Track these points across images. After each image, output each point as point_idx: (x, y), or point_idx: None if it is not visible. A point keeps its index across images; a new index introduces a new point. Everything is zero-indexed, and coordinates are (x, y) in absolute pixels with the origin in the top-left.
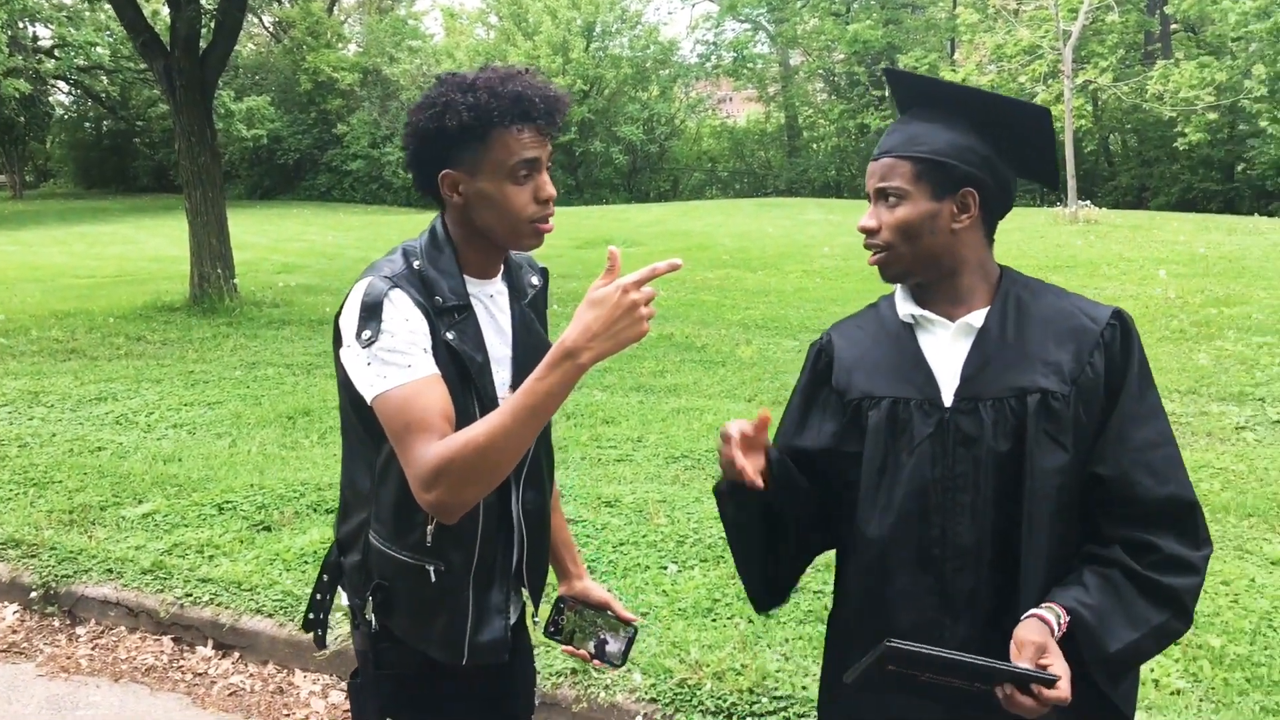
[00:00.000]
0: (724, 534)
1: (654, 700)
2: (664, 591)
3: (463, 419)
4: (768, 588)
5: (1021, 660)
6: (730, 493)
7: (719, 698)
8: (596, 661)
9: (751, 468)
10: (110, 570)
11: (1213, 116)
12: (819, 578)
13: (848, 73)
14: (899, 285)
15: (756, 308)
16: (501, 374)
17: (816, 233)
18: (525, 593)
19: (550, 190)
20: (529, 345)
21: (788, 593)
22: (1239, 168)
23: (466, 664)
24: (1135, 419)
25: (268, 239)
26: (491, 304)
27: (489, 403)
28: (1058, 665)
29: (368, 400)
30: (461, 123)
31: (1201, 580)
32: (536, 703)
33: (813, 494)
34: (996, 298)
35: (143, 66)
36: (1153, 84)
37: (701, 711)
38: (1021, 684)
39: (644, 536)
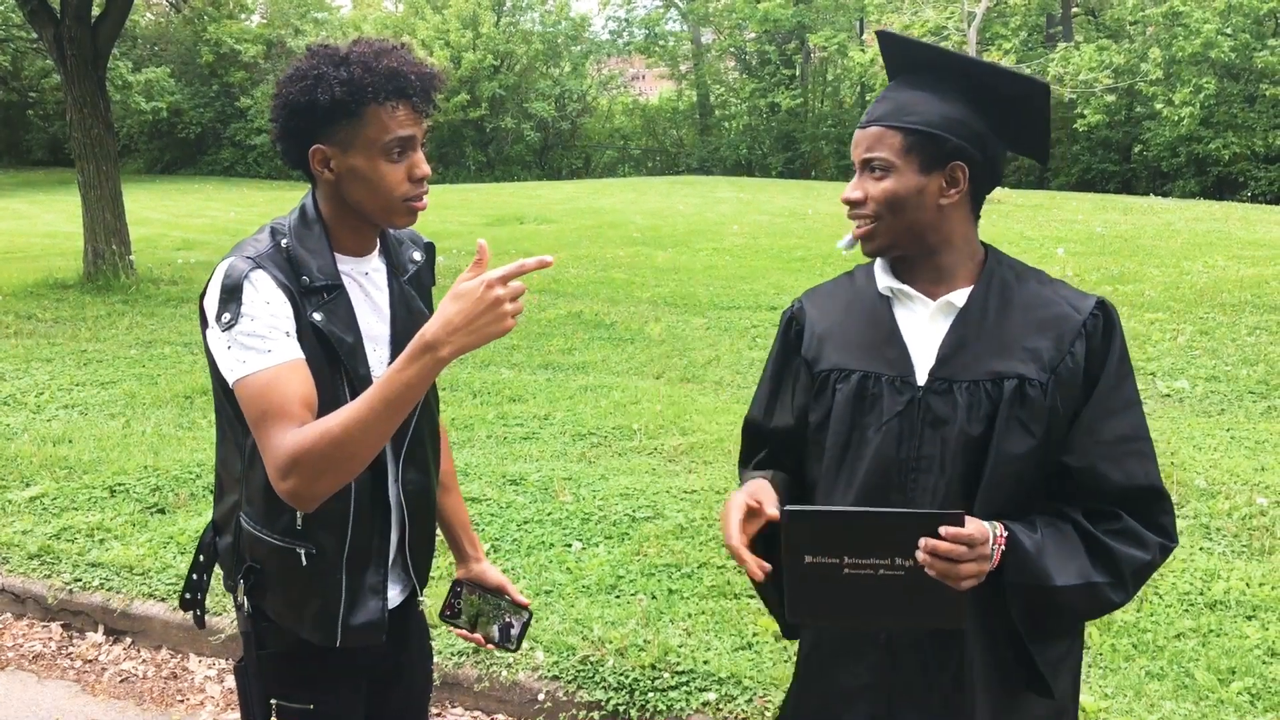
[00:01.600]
0: (628, 509)
1: (556, 678)
2: (568, 569)
3: (332, 403)
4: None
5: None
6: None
7: (621, 674)
8: (491, 645)
9: (752, 562)
10: None
11: (1110, 99)
12: (721, 552)
13: (759, 51)
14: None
15: (666, 285)
16: (379, 352)
17: (727, 211)
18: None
19: (424, 169)
20: (408, 323)
21: None
22: (1136, 149)
23: (341, 645)
24: (1109, 412)
25: (167, 215)
26: (367, 281)
27: (360, 384)
28: (974, 524)
29: (229, 384)
30: (334, 97)
31: (1151, 563)
32: (438, 682)
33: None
34: (980, 278)
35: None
36: (1054, 66)
37: (604, 688)
38: (930, 530)
39: (549, 514)
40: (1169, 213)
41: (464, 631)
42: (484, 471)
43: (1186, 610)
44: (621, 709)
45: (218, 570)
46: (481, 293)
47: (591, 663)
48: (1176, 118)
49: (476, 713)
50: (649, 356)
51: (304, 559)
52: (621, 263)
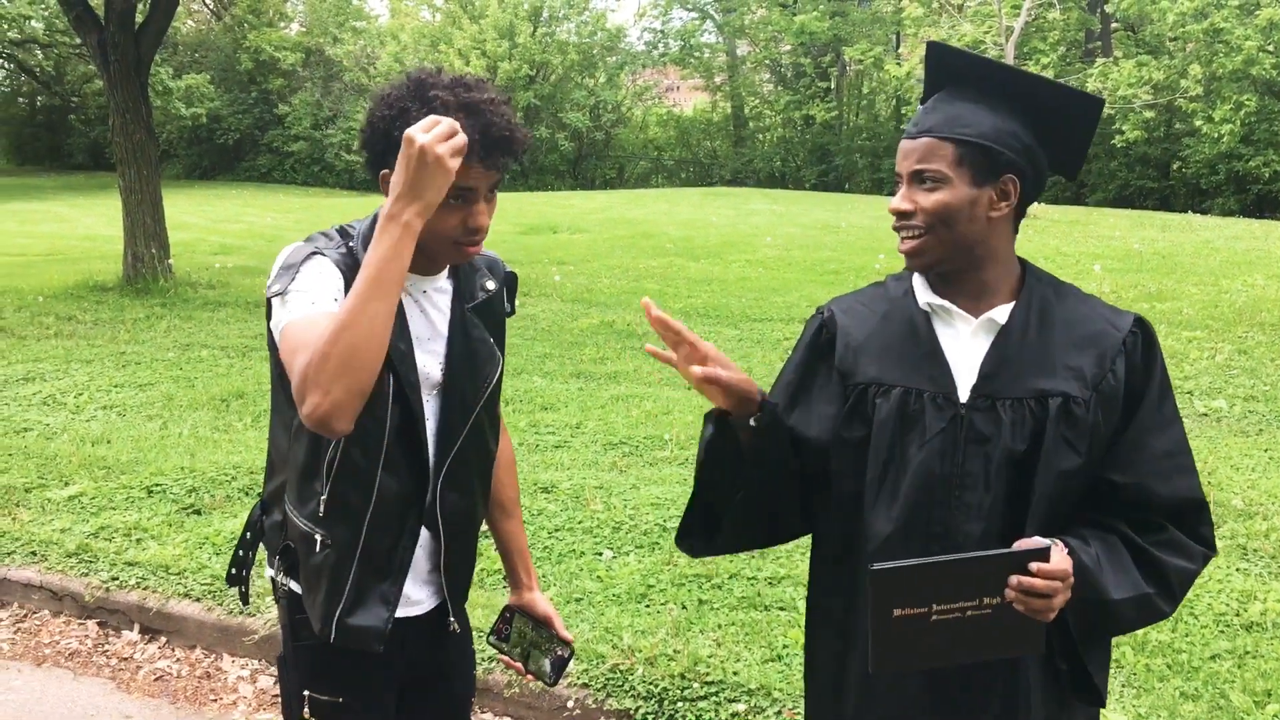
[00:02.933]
0: (659, 519)
1: (586, 685)
2: (598, 577)
3: (379, 401)
4: (705, 523)
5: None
6: (717, 418)
7: (651, 683)
8: (530, 676)
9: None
10: (34, 553)
11: (1149, 115)
12: (752, 564)
13: (794, 64)
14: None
15: (699, 296)
16: (429, 367)
17: (760, 223)
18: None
19: (480, 221)
20: (466, 349)
21: (717, 542)
22: (1174, 166)
23: (335, 643)
24: (1154, 428)
25: (205, 219)
26: (425, 299)
27: (410, 391)
28: (1058, 555)
29: (275, 338)
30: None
31: (1195, 572)
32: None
33: (793, 471)
34: (1022, 295)
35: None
36: (1092, 81)
37: (633, 696)
38: (1018, 567)
39: (580, 523)
40: (1207, 230)
41: (509, 659)
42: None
43: (1222, 631)
44: (650, 718)
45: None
46: (406, 152)
47: (621, 671)
48: (1216, 135)
49: (506, 718)
50: None
51: (318, 545)
52: (654, 273)
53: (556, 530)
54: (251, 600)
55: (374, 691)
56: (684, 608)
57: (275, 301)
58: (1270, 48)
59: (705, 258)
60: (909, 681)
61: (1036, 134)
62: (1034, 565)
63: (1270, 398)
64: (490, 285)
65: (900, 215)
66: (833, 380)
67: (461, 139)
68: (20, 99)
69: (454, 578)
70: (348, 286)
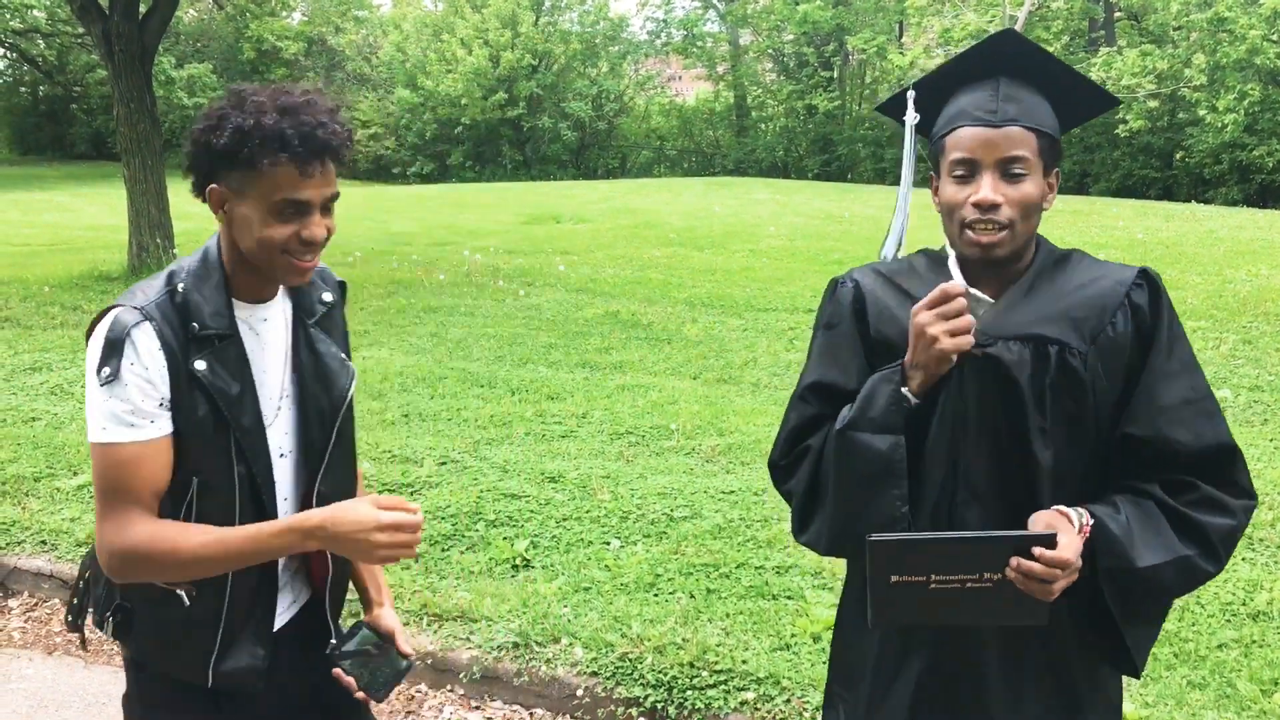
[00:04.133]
0: (666, 508)
1: (595, 674)
2: (606, 567)
3: (218, 454)
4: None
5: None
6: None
7: (660, 671)
8: (361, 694)
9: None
10: (44, 542)
11: (1153, 104)
12: (760, 553)
13: (797, 53)
14: (951, 254)
15: (703, 286)
16: (274, 401)
17: (763, 213)
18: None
19: (315, 233)
20: (314, 366)
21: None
22: (1178, 155)
23: (213, 687)
24: (1166, 376)
25: (208, 209)
26: (265, 328)
27: (246, 436)
28: (1066, 540)
29: (89, 439)
30: (225, 143)
31: (1237, 526)
32: (477, 676)
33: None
34: (1031, 268)
35: (80, 30)
36: (1096, 70)
37: (642, 684)
38: (1021, 550)
39: (587, 512)
40: (1211, 220)
41: (342, 672)
42: (523, 468)
43: (1229, 620)
44: (660, 706)
45: None
46: (367, 522)
47: (630, 660)
48: (1220, 124)
49: (515, 706)
50: (686, 357)
51: (186, 600)
52: (658, 263)
53: (564, 520)
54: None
55: None
56: (692, 597)
57: (95, 382)
58: (1274, 37)
59: (709, 247)
60: (936, 649)
61: (1062, 126)
62: (1036, 550)
63: (1275, 387)
64: (328, 297)
65: (987, 208)
66: (871, 346)
67: (417, 537)
68: (22, 89)
69: (335, 600)
70: (171, 364)
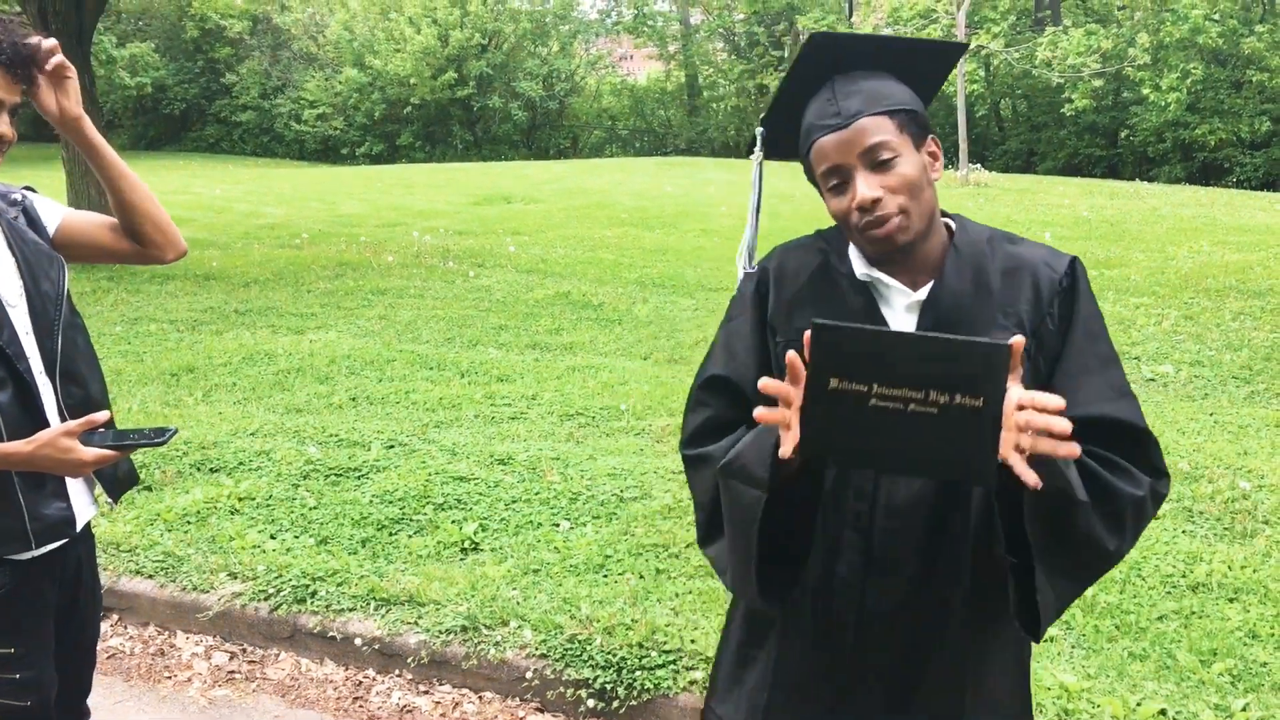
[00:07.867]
0: (616, 489)
1: (544, 656)
2: (556, 549)
3: None
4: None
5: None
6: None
7: (609, 652)
8: (122, 453)
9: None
10: None
11: (1098, 83)
12: None
13: (748, 32)
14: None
15: (654, 266)
16: (19, 307)
17: (715, 192)
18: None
19: (2, 130)
20: (37, 251)
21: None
22: (1122, 134)
23: (38, 545)
24: (1085, 370)
25: (153, 191)
26: None
27: (8, 345)
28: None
29: None
30: None
31: (1143, 500)
32: (425, 660)
33: None
34: (950, 256)
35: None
36: (1042, 50)
37: (592, 666)
38: (981, 362)
39: (537, 494)
40: (1155, 198)
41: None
42: (472, 451)
43: (1169, 592)
44: (609, 687)
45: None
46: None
47: (579, 641)
48: (1163, 103)
49: (465, 690)
50: (637, 337)
51: None
52: (609, 243)
53: (513, 502)
54: (204, 576)
55: (41, 636)
56: (641, 577)
57: None
58: (1216, 16)
59: (660, 227)
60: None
61: (918, 92)
62: (1040, 395)
63: (1215, 362)
64: (12, 213)
65: (868, 207)
66: (765, 335)
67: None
68: None
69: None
70: None
